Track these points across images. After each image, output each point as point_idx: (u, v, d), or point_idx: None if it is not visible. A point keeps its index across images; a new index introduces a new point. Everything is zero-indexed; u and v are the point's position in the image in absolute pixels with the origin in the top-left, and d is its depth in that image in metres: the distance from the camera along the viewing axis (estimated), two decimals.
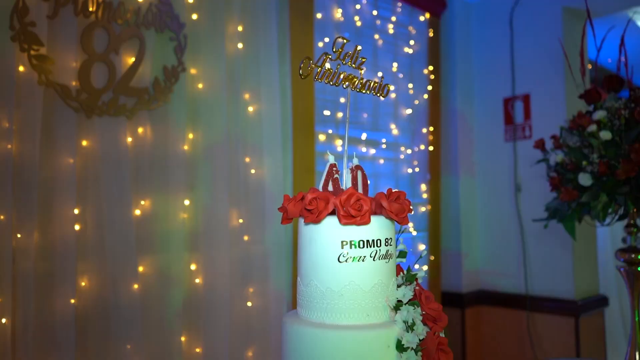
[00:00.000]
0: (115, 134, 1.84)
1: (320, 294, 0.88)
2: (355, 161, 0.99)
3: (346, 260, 0.87)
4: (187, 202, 2.01)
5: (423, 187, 2.98)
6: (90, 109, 1.79)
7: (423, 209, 2.98)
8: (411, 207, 0.93)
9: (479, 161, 3.22)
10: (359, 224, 0.86)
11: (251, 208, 2.18)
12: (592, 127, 1.68)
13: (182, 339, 1.99)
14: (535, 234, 2.95)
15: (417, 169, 2.91)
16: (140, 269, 1.89)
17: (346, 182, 0.96)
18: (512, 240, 3.06)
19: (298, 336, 0.87)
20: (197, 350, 2.01)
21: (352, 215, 0.84)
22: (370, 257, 0.87)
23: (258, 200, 2.19)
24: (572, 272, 2.83)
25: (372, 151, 2.68)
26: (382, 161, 2.74)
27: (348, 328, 0.85)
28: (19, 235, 1.63)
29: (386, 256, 0.89)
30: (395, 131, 2.81)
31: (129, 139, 1.88)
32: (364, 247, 0.87)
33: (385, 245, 0.89)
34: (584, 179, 1.66)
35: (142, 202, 1.91)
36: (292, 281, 2.26)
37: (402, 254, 0.98)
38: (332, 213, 0.88)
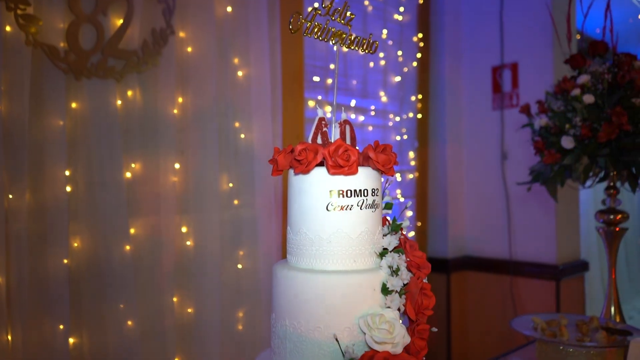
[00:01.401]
0: (105, 96, 1.84)
1: (309, 241, 0.91)
2: (344, 116, 1.01)
3: (334, 209, 0.90)
4: (177, 166, 2.03)
5: (411, 154, 3.02)
6: (79, 70, 1.78)
7: (411, 176, 3.02)
8: (397, 161, 0.96)
9: (467, 129, 3.26)
10: (346, 174, 0.89)
11: (241, 172, 2.20)
12: (576, 91, 1.71)
13: (174, 299, 2.03)
14: (520, 201, 3.02)
15: (405, 137, 2.94)
16: (132, 230, 1.92)
17: (334, 136, 0.99)
18: (498, 207, 3.12)
19: (288, 282, 0.91)
20: (189, 310, 2.06)
21: (341, 165, 0.87)
22: (357, 206, 0.91)
23: (247, 165, 2.22)
24: (554, 238, 2.91)
25: (361, 118, 2.70)
26: (370, 128, 2.77)
27: (336, 273, 0.89)
28: (10, 196, 1.65)
29: (372, 206, 0.93)
30: (384, 98, 2.83)
31: (119, 102, 1.88)
32: (351, 196, 0.90)
33: (372, 195, 0.93)
34: (567, 142, 1.71)
35: (133, 165, 1.93)
36: (282, 244, 2.31)
37: (388, 206, 1.01)
38: (321, 164, 0.91)
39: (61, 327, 1.73)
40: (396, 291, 0.88)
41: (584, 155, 1.71)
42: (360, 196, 0.91)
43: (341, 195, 0.90)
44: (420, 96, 3.04)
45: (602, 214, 1.80)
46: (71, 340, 1.77)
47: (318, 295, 0.87)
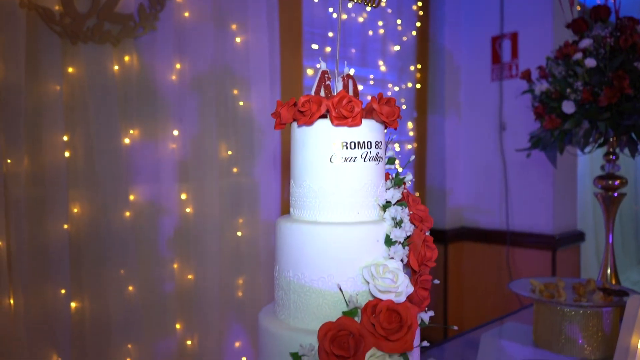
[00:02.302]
0: (102, 61, 1.82)
1: (312, 193, 0.91)
2: (347, 70, 1.00)
3: (338, 161, 0.90)
4: (176, 133, 2.01)
5: (409, 124, 3.01)
6: (75, 34, 1.75)
7: (409, 146, 3.02)
8: (401, 115, 0.95)
9: (465, 100, 3.25)
10: (350, 125, 0.88)
11: (240, 140, 2.19)
12: (578, 56, 1.70)
13: (175, 266, 2.04)
14: (518, 172, 3.03)
15: (404, 107, 2.93)
16: (131, 197, 1.92)
17: (337, 89, 0.98)
18: (495, 179, 3.13)
19: (292, 234, 0.91)
20: (189, 277, 2.07)
21: (345, 116, 0.87)
22: (361, 158, 0.90)
23: (246, 133, 2.20)
24: (551, 209, 2.92)
25: (360, 87, 2.68)
26: (369, 97, 2.74)
27: (340, 224, 0.89)
28: (8, 161, 1.64)
29: (376, 158, 0.93)
30: (383, 68, 2.81)
31: (116, 67, 1.86)
32: (355, 148, 0.90)
33: (375, 148, 0.93)
34: (567, 107, 1.70)
35: (131, 132, 1.91)
36: (282, 212, 2.31)
37: (390, 160, 1.01)
38: (325, 117, 0.90)
39: (63, 291, 1.74)
40: (399, 242, 0.89)
41: (584, 120, 1.70)
42: (364, 148, 0.90)
43: (345, 147, 0.89)
44: (419, 66, 3.02)
45: (600, 179, 1.81)
46: (73, 304, 1.79)
47: (322, 246, 0.88)
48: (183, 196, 2.05)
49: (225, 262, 2.15)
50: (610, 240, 1.77)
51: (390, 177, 1.00)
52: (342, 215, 0.90)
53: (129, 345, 1.88)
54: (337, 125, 0.88)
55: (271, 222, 2.27)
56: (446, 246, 3.19)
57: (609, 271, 1.71)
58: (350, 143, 0.89)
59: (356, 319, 0.84)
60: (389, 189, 0.96)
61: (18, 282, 1.65)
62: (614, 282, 1.72)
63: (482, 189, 3.22)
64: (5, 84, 1.62)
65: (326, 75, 0.96)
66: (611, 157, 1.80)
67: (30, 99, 1.69)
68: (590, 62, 1.66)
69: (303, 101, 0.88)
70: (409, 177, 0.99)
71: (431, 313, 0.92)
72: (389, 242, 0.89)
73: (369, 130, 0.91)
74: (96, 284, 1.83)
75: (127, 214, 1.88)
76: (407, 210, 0.93)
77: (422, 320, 0.89)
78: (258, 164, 2.23)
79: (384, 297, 0.83)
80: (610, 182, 1.79)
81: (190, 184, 2.06)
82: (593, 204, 3.43)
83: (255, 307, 2.24)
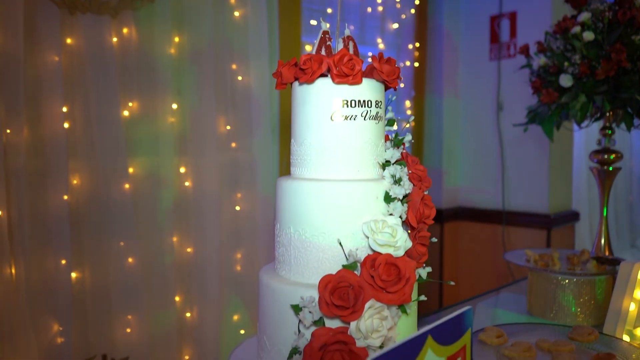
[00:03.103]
0: (100, 32, 1.82)
1: (313, 151, 0.93)
2: (348, 32, 1.01)
3: (338, 119, 0.91)
4: (174, 106, 2.02)
5: (407, 103, 3.02)
6: (73, 4, 1.75)
7: (407, 125, 3.02)
8: (401, 76, 0.96)
9: (463, 80, 3.25)
10: (351, 83, 0.89)
11: (238, 115, 2.20)
12: (576, 29, 1.71)
13: (174, 239, 2.06)
14: (514, 152, 3.05)
15: (402, 85, 2.93)
16: (131, 170, 1.93)
17: (338, 49, 0.99)
18: (492, 158, 3.15)
19: (293, 191, 0.92)
20: (189, 250, 2.09)
21: (345, 74, 0.88)
22: (361, 116, 0.92)
23: (245, 108, 2.21)
24: (547, 188, 2.95)
25: None
26: (370, 59, 2.74)
27: (340, 181, 0.91)
28: (8, 131, 1.64)
29: (376, 117, 0.94)
30: (381, 45, 2.80)
31: (114, 39, 1.85)
32: (355, 106, 0.91)
33: (376, 107, 0.94)
34: (565, 80, 1.71)
35: (130, 104, 1.92)
36: None
37: (390, 122, 1.03)
38: (325, 76, 0.91)
39: (63, 262, 1.76)
40: (398, 199, 0.90)
41: (581, 94, 1.71)
42: (365, 107, 0.92)
43: (345, 105, 0.91)
44: (417, 44, 3.02)
45: (596, 153, 1.83)
46: (73, 274, 1.80)
47: (322, 202, 0.89)
48: (182, 169, 2.06)
49: (223, 236, 2.17)
50: (605, 214, 1.79)
51: (389, 138, 1.01)
52: (342, 172, 0.92)
53: (129, 317, 1.90)
54: (338, 83, 0.89)
55: (269, 197, 2.28)
56: (442, 226, 3.21)
57: (602, 242, 1.73)
58: (351, 101, 0.91)
59: (355, 272, 0.85)
60: (388, 149, 0.97)
61: (19, 251, 1.66)
62: (607, 253, 1.75)
63: (478, 169, 3.24)
64: (3, 54, 1.62)
65: (327, 36, 0.97)
66: (607, 131, 1.82)
67: (29, 69, 1.69)
68: (589, 36, 1.67)
69: (304, 59, 0.89)
70: (408, 138, 1.00)
71: (429, 269, 0.94)
72: (388, 198, 0.90)
73: (369, 88, 0.92)
74: (96, 255, 1.84)
75: (127, 186, 1.88)
76: (406, 169, 0.95)
77: (419, 275, 0.91)
78: (256, 139, 2.24)
79: (383, 250, 0.85)
80: (605, 156, 1.81)
81: (189, 157, 2.07)
82: (588, 185, 3.45)
83: (254, 282, 2.26)
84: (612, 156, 1.81)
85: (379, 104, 0.95)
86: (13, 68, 1.64)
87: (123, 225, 1.87)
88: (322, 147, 0.92)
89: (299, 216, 0.91)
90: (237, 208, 2.22)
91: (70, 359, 1.79)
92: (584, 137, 3.36)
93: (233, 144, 2.20)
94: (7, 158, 1.64)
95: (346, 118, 0.91)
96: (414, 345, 0.60)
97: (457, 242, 3.30)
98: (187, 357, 2.09)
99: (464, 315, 0.69)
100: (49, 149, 1.73)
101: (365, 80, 0.91)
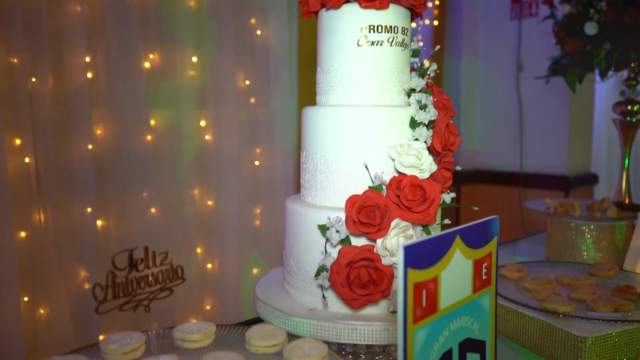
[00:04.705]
0: None
1: (339, 78, 0.93)
2: None
3: (365, 44, 0.91)
4: (194, 59, 2.03)
5: (426, 63, 2.98)
6: None
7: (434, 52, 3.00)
8: (428, 4, 0.96)
9: (483, 40, 3.20)
10: (378, 8, 0.89)
11: (257, 70, 2.20)
12: None
13: (195, 192, 2.09)
14: (533, 113, 3.01)
15: (420, 44, 2.90)
16: (152, 122, 1.95)
17: None
18: (510, 121, 3.12)
19: (319, 118, 0.94)
20: (209, 203, 2.13)
21: None
22: (388, 42, 0.92)
23: (264, 63, 2.21)
24: (565, 150, 2.93)
25: None
26: None
27: (366, 107, 0.92)
28: (33, 79, 1.67)
29: (402, 44, 0.94)
30: None
31: None
32: (382, 32, 0.91)
33: (402, 34, 0.94)
34: (590, 28, 1.68)
35: (151, 56, 1.93)
36: (297, 146, 2.34)
37: (415, 53, 1.03)
38: (351, 1, 0.91)
39: (89, 210, 1.80)
40: (424, 124, 0.91)
41: (606, 42, 1.69)
42: (391, 33, 0.92)
43: (372, 31, 0.91)
44: (437, 2, 2.97)
45: (619, 105, 1.80)
46: (99, 222, 1.85)
47: (349, 127, 0.91)
48: (202, 123, 2.08)
49: (243, 190, 2.20)
50: (627, 165, 1.78)
51: (414, 70, 1.02)
52: (368, 98, 0.93)
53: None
54: (364, 7, 0.89)
55: (288, 153, 2.30)
56: (459, 187, 3.21)
57: (623, 190, 1.73)
58: (377, 27, 0.91)
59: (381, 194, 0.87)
60: (413, 78, 0.97)
61: (46, 199, 1.71)
62: (627, 202, 1.74)
63: (496, 131, 3.21)
64: (27, 4, 1.63)
65: None
66: (632, 82, 1.79)
67: (51, 20, 1.71)
68: None
69: None
70: (434, 67, 1.00)
71: (453, 194, 0.95)
72: (413, 124, 0.91)
73: (396, 14, 0.92)
74: (120, 205, 1.88)
75: (149, 137, 1.91)
76: (431, 98, 0.95)
77: (444, 200, 0.92)
78: (275, 95, 2.24)
79: (408, 172, 0.86)
80: (629, 107, 1.78)
81: (209, 111, 2.09)
82: (608, 148, 3.41)
83: (272, 236, 2.30)
84: (636, 107, 1.78)
85: (405, 31, 0.95)
86: (36, 18, 1.65)
87: (146, 176, 1.91)
88: (348, 73, 0.92)
89: (325, 142, 0.92)
90: (256, 163, 2.24)
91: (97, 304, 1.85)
92: (605, 100, 3.30)
93: (252, 100, 2.21)
94: (33, 107, 1.67)
95: (372, 44, 0.91)
96: (442, 242, 0.62)
97: (473, 204, 3.30)
98: (208, 307, 2.14)
99: (491, 223, 0.71)
100: (72, 99, 1.75)
101: (392, 6, 0.91)
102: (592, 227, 1.48)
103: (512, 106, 3.10)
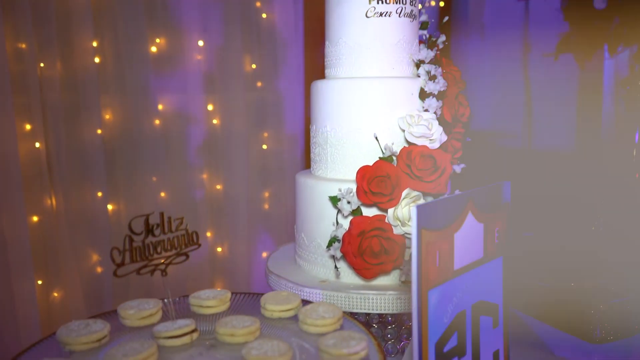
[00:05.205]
0: None
1: (348, 50, 0.93)
2: None
3: (373, 16, 0.91)
4: (201, 43, 2.03)
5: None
6: None
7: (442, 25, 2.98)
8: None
9: (489, 20, 3.17)
10: None
11: (264, 54, 2.20)
12: None
13: (204, 176, 2.10)
14: (541, 94, 2.99)
15: (425, 36, 2.88)
16: (160, 107, 1.96)
17: None
18: (517, 101, 3.10)
19: (329, 90, 0.94)
20: (218, 187, 2.14)
21: None
22: (396, 13, 0.92)
23: (270, 47, 2.20)
24: (574, 128, 2.90)
25: None
26: None
27: (375, 78, 0.92)
28: (42, 65, 1.68)
29: (410, 15, 0.94)
30: None
31: None
32: (390, 3, 0.91)
33: (410, 4, 0.94)
34: (599, 2, 1.67)
35: (157, 40, 1.93)
36: (305, 130, 2.34)
37: (424, 25, 1.02)
38: None
39: (99, 194, 1.82)
40: (433, 95, 0.91)
41: (615, 17, 1.67)
42: (399, 3, 0.92)
43: (380, 2, 0.91)
44: None
45: (628, 79, 1.79)
46: (109, 207, 1.87)
47: (358, 99, 0.91)
48: (210, 107, 2.08)
49: (251, 174, 2.20)
50: (637, 140, 1.77)
51: (423, 41, 1.01)
52: (378, 70, 0.93)
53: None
54: None
55: (296, 136, 2.30)
56: None
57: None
58: None
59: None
60: (422, 49, 0.97)
61: (58, 184, 1.73)
62: (637, 176, 1.73)
63: (504, 111, 3.19)
64: None
65: None
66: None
67: (58, 4, 1.71)
68: None
69: None
70: (442, 39, 1.00)
71: (463, 165, 0.95)
72: (423, 95, 0.91)
73: None
74: (130, 189, 1.90)
75: (157, 122, 1.92)
76: (440, 69, 0.95)
77: (454, 171, 0.92)
78: (282, 79, 2.24)
79: (418, 142, 0.86)
80: (639, 82, 1.77)
81: (216, 95, 2.09)
82: (616, 127, 3.38)
83: (281, 220, 2.31)
84: None
85: (414, 2, 0.94)
86: (44, 3, 1.66)
87: (155, 161, 1.92)
88: (357, 44, 0.92)
89: (335, 115, 0.93)
90: (264, 147, 2.25)
91: (110, 287, 1.87)
92: (613, 78, 3.26)
93: (259, 84, 2.21)
94: (43, 92, 1.68)
95: (381, 15, 0.91)
96: (455, 204, 0.62)
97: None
98: (218, 289, 2.16)
99: (503, 187, 0.71)
100: (81, 83, 1.76)
101: None
102: None
103: (519, 87, 3.07)
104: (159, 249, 0.62)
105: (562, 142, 2.95)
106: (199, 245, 0.66)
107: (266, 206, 2.30)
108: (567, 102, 2.90)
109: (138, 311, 0.64)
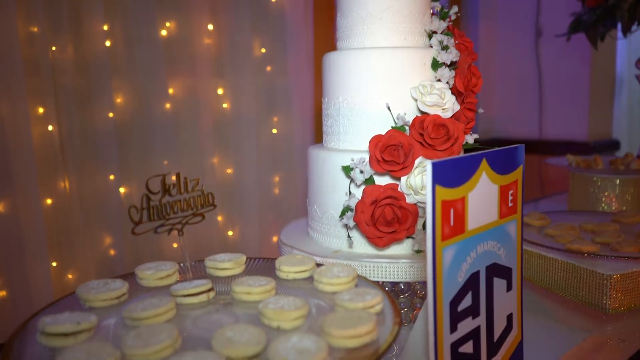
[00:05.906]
0: None
1: (360, 20, 0.93)
2: None
3: None
4: (210, 27, 2.03)
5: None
6: None
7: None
8: None
9: (501, 4, 3.14)
10: None
11: (273, 38, 2.20)
12: None
13: (215, 160, 2.11)
14: (553, 79, 2.96)
15: (437, 9, 2.86)
16: (170, 90, 1.96)
17: None
18: (529, 87, 3.08)
19: (341, 61, 0.94)
20: (229, 171, 2.15)
21: None
22: None
23: (280, 30, 2.20)
24: (586, 115, 2.88)
25: None
26: None
27: (388, 48, 0.92)
28: (53, 48, 1.69)
29: None
30: None
31: None
32: None
33: None
34: None
35: (167, 24, 1.94)
36: (315, 112, 2.34)
37: None
38: None
39: (112, 177, 1.84)
40: (446, 64, 0.91)
41: None
42: None
43: None
44: None
45: None
46: (122, 190, 1.88)
47: (370, 69, 0.91)
48: (220, 91, 2.09)
49: (262, 158, 2.21)
50: None
51: (435, 13, 1.01)
52: (390, 40, 0.92)
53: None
54: None
55: (306, 120, 2.30)
56: None
57: None
58: None
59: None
60: (435, 20, 0.97)
61: (71, 166, 1.74)
62: None
63: (515, 99, 3.17)
64: None
65: None
66: None
67: None
68: None
69: None
70: (454, 10, 0.99)
71: (476, 136, 0.95)
72: (435, 64, 0.91)
73: None
74: (142, 172, 1.91)
75: (168, 105, 1.93)
76: (452, 40, 0.95)
77: (467, 141, 0.92)
78: (291, 64, 2.24)
79: (431, 111, 0.86)
80: None
81: (226, 79, 2.09)
82: (629, 112, 3.35)
83: (292, 205, 2.32)
84: None
85: None
86: None
87: (166, 145, 1.93)
88: (370, 15, 0.92)
89: (347, 86, 0.93)
90: (274, 131, 2.25)
91: (122, 269, 1.89)
92: (626, 60, 3.22)
93: (268, 68, 2.21)
94: (55, 75, 1.69)
95: None
96: (470, 163, 0.62)
97: None
98: None
99: (517, 150, 0.71)
100: (92, 67, 1.77)
101: None
102: (616, 181, 1.47)
103: (531, 72, 3.05)
104: (175, 209, 0.63)
105: (574, 130, 2.93)
106: (215, 206, 0.67)
107: (276, 191, 2.30)
108: (580, 88, 2.87)
109: (156, 272, 0.65)
